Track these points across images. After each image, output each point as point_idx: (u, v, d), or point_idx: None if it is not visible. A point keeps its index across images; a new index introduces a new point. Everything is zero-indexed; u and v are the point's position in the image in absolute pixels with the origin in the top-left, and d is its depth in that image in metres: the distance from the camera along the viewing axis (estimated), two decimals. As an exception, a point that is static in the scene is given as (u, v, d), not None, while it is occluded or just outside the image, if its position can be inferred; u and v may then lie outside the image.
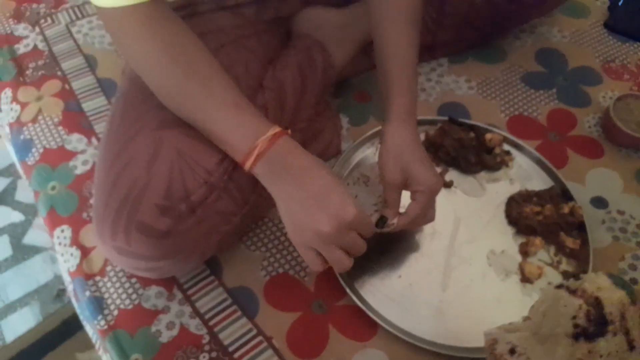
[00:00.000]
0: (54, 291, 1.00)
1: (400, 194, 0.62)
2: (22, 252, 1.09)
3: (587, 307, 0.41)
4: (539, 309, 0.43)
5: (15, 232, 1.13)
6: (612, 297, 0.42)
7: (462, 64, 0.91)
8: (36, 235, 1.11)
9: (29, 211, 1.17)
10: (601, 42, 0.96)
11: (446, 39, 0.88)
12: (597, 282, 0.43)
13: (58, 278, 1.02)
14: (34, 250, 1.09)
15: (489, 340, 0.44)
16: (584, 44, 0.96)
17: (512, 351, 0.42)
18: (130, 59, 0.58)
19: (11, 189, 1.21)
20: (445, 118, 0.78)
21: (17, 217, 1.16)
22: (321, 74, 0.78)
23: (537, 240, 0.67)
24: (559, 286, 0.44)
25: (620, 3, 1.01)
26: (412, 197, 0.61)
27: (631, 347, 0.41)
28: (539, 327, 0.43)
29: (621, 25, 0.98)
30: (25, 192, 1.19)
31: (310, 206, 0.52)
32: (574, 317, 0.41)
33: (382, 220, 0.61)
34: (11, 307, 1.01)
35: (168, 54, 0.55)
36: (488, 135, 0.75)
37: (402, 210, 0.61)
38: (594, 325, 0.41)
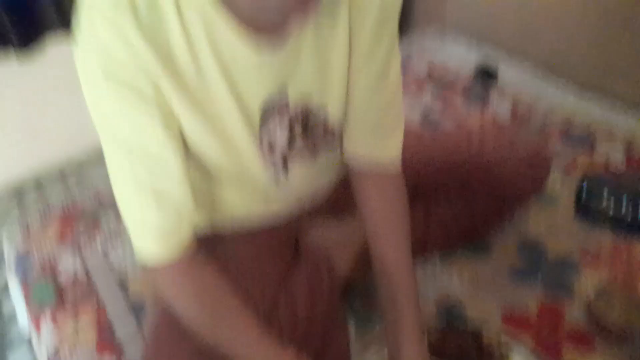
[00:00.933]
0: None
1: None
2: None
3: None
4: None
5: None
6: None
7: (452, 258, 1.01)
8: None
9: None
10: (574, 229, 1.07)
11: (434, 239, 1.00)
12: None
13: None
14: None
15: None
16: (560, 234, 1.06)
17: None
18: (168, 300, 0.69)
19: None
20: (444, 323, 0.86)
21: None
22: (328, 287, 0.88)
23: None
24: None
25: (583, 191, 1.13)
26: None
27: None
28: None
29: (588, 211, 1.09)
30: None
31: None
32: None
33: None
34: None
35: (201, 300, 0.67)
36: (486, 340, 0.82)
37: None
38: None
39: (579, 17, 1.58)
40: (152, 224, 0.63)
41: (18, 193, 1.92)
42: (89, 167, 2.01)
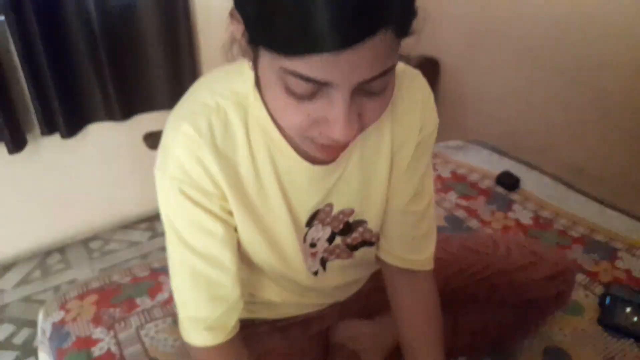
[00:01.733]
0: None
1: None
2: None
3: None
4: None
5: None
6: None
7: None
8: None
9: None
10: (598, 339, 1.08)
11: (462, 347, 1.01)
12: None
13: None
14: None
15: None
16: (584, 342, 1.07)
17: None
18: None
19: None
20: None
21: None
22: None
23: None
24: None
25: (607, 301, 1.15)
26: None
27: None
28: None
29: (612, 321, 1.10)
30: None
31: None
32: None
33: None
34: None
35: None
36: None
37: None
38: None
39: (598, 135, 1.69)
40: (203, 314, 0.69)
41: (43, 260, 1.99)
42: (112, 238, 2.10)
